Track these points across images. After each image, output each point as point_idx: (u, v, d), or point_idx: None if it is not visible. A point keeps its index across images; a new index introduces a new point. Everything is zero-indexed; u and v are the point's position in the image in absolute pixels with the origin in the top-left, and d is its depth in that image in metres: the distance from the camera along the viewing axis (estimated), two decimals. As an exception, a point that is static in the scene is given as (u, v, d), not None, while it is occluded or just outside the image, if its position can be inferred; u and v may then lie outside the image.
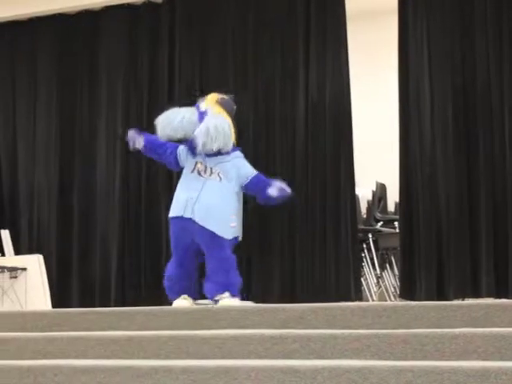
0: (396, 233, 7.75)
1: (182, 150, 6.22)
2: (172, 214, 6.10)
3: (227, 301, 5.77)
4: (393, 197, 8.32)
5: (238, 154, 6.22)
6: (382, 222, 8.22)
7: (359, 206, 8.18)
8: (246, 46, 7.99)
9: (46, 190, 8.60)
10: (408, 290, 7.15)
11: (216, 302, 5.82)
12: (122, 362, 4.46)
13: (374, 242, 7.92)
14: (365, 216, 8.44)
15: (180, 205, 6.03)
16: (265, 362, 4.19)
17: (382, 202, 8.47)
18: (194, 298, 6.07)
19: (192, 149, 6.08)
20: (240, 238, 6.11)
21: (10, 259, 7.71)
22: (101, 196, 8.35)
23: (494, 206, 6.97)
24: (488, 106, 7.07)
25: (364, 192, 8.44)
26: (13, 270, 7.61)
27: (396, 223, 7.99)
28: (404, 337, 4.18)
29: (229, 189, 6.05)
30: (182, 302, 5.96)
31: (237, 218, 6.06)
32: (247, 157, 7.64)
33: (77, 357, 4.72)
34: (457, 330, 4.18)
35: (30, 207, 8.66)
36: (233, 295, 5.86)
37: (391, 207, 8.67)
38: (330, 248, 7.43)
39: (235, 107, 6.26)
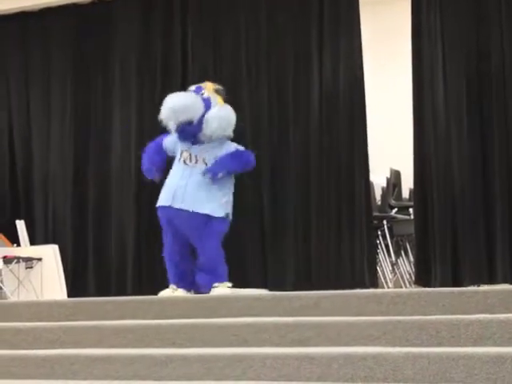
0: (411, 219, 7.72)
1: (168, 141, 6.37)
2: (159, 203, 6.28)
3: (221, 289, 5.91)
4: (407, 183, 8.29)
5: (234, 144, 6.35)
6: (396, 209, 8.20)
7: (374, 193, 8.17)
8: (259, 31, 7.96)
9: (61, 180, 8.59)
10: (423, 277, 7.13)
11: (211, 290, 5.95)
12: (138, 350, 4.47)
13: (389, 228, 7.90)
14: (379, 203, 8.42)
15: (168, 194, 6.18)
16: (280, 349, 4.19)
17: (397, 189, 8.45)
18: (188, 288, 6.14)
19: (183, 134, 6.18)
20: (230, 217, 6.25)
21: (26, 250, 7.73)
22: (116, 185, 8.34)
23: (510, 192, 6.94)
24: (502, 91, 7.02)
25: (378, 179, 8.42)
26: (28, 260, 7.64)
27: (411, 210, 7.96)
28: (419, 323, 4.17)
29: None
30: (167, 292, 6.06)
31: (226, 198, 6.20)
32: (261, 143, 7.64)
33: (93, 346, 4.73)
34: (472, 317, 4.17)
35: (45, 197, 8.66)
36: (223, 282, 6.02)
37: (406, 194, 8.64)
38: (345, 235, 7.42)
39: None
